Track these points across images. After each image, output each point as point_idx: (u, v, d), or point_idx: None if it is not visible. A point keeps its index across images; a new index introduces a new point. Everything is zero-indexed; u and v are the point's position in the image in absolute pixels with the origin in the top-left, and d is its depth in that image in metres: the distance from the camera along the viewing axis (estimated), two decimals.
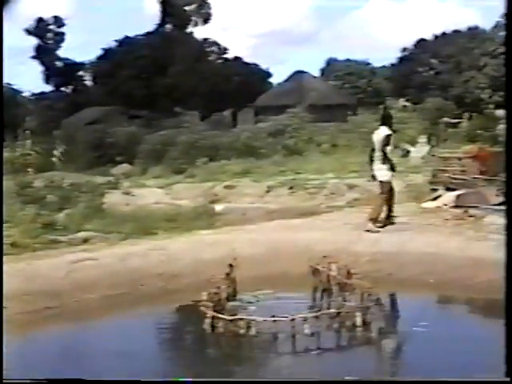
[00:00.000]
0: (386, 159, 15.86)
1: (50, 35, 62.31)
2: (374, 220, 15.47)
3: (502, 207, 16.66)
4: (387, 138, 15.80)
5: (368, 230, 15.06)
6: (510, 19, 4.76)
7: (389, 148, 15.83)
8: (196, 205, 24.22)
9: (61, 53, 64.03)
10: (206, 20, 58.76)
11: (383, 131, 15.95)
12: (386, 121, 16.36)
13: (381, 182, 15.97)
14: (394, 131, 16.91)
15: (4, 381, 4.46)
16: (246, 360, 9.73)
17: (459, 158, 19.69)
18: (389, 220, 15.80)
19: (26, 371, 8.24)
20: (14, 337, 9.00)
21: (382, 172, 15.95)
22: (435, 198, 18.53)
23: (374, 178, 16.37)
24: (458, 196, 17.60)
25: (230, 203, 24.70)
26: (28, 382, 4.04)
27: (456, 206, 17.26)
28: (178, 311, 12.43)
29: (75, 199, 23.77)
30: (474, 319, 12.12)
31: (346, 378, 8.36)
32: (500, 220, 15.76)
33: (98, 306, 11.91)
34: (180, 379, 5.73)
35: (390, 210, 15.94)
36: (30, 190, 24.53)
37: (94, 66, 63.73)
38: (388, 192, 15.94)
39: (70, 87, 64.78)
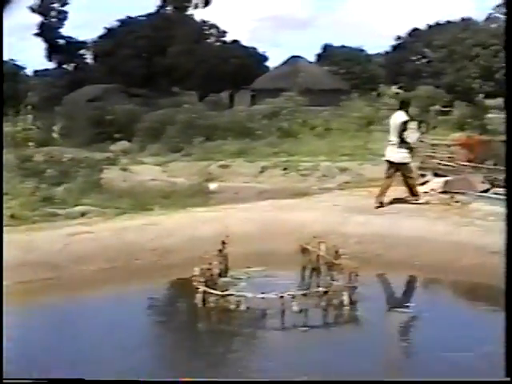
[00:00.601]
0: (403, 143, 15.98)
1: (53, 13, 62.07)
2: (380, 199, 15.88)
3: (488, 194, 16.75)
4: (404, 124, 15.93)
5: (378, 207, 15.60)
6: (510, 19, 4.71)
7: (406, 133, 15.95)
8: (191, 183, 24.23)
9: (63, 31, 63.83)
10: (206, 3, 58.58)
11: (400, 117, 16.08)
12: (403, 106, 16.50)
13: (399, 164, 16.21)
14: (412, 118, 17.07)
15: (4, 381, 4.44)
16: (235, 334, 9.74)
17: (448, 145, 19.73)
18: (415, 197, 16.28)
19: (23, 342, 8.30)
20: (11, 306, 8.97)
21: (399, 155, 16.14)
22: (423, 183, 18.52)
23: (388, 161, 16.51)
24: (446, 182, 17.61)
25: (225, 182, 24.70)
26: (28, 382, 3.99)
27: (443, 192, 17.28)
28: (171, 285, 12.46)
29: (74, 174, 23.78)
30: (457, 302, 12.20)
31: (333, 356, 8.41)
32: (485, 206, 15.85)
33: (94, 278, 11.89)
34: (180, 379, 5.60)
35: (412, 188, 16.34)
36: (30, 163, 24.53)
37: (96, 45, 63.50)
38: (409, 172, 16.45)
39: (72, 65, 64.65)
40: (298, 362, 8.64)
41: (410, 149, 16.27)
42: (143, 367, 8.51)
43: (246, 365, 8.76)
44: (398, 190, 16.50)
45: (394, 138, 16.10)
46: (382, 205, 15.77)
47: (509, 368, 3.80)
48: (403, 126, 15.98)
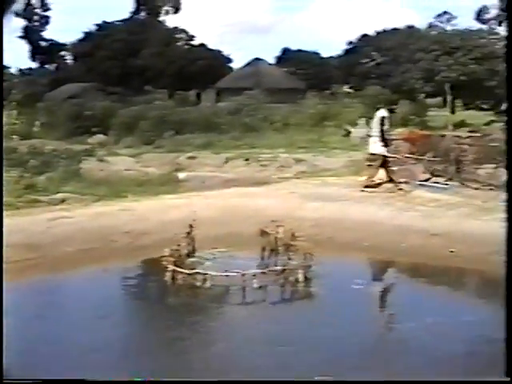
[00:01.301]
0: (382, 136, 16.35)
1: (36, 18, 61.78)
2: (368, 185, 16.53)
3: (428, 183, 16.89)
4: (383, 119, 16.19)
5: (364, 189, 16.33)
6: (510, 20, 4.63)
7: (385, 127, 16.20)
8: (162, 172, 24.17)
9: (46, 34, 63.59)
10: (176, 10, 58.50)
11: (380, 113, 16.38)
12: (387, 104, 17.02)
13: (376, 154, 16.81)
14: (392, 112, 17.58)
15: (4, 381, 4.33)
16: (201, 308, 9.77)
17: (393, 139, 19.79)
18: (392, 182, 16.83)
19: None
20: None
21: (381, 148, 16.68)
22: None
23: (372, 153, 17.14)
24: (391, 172, 17.70)
25: (192, 172, 24.64)
26: (28, 382, 3.86)
27: (388, 181, 17.38)
28: (144, 264, 12.43)
29: (55, 164, 23.61)
30: (400, 279, 12.30)
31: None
32: (426, 194, 16.00)
33: (73, 258, 11.82)
34: (180, 379, 5.59)
35: (389, 174, 16.90)
36: (14, 155, 24.29)
37: (75, 47, 63.22)
38: (382, 162, 16.78)
39: (54, 65, 64.47)
40: (259, 333, 8.70)
41: (387, 143, 16.51)
42: (119, 335, 8.66)
43: (212, 335, 8.81)
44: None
45: (375, 131, 16.40)
46: (368, 189, 16.44)
47: (509, 368, 3.72)
48: (381, 121, 16.21)
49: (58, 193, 17.87)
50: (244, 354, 7.93)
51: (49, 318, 9.22)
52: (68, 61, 65.71)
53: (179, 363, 7.84)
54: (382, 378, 7.24)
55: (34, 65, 63.65)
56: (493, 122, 28.07)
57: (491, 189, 16.14)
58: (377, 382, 5.08)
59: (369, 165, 19.44)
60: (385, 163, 16.94)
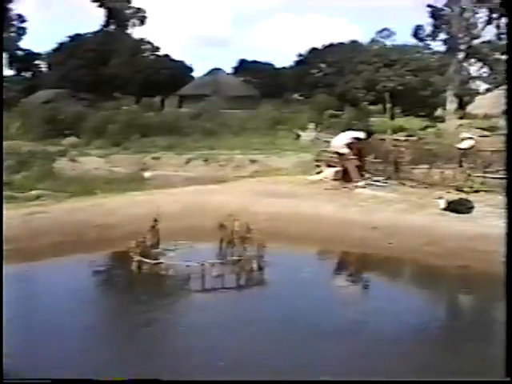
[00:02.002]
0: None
1: (13, 29, 61.18)
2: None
3: (369, 181, 17.00)
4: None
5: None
6: (510, 20, 4.58)
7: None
8: (129, 171, 24.06)
9: (22, 44, 63.04)
10: (142, 23, 58.25)
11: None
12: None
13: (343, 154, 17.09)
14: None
15: (4, 381, 4.22)
16: (165, 294, 9.79)
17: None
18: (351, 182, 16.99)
19: None
20: None
21: (345, 149, 16.99)
22: (318, 173, 18.73)
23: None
24: (336, 172, 17.81)
25: (157, 171, 24.57)
26: (28, 382, 3.70)
27: (334, 179, 17.49)
28: (112, 255, 12.40)
29: (30, 164, 23.37)
30: (344, 267, 12.41)
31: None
32: (367, 191, 16.11)
33: (47, 250, 11.72)
34: (180, 379, 5.57)
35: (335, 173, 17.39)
36: None
37: (50, 56, 62.65)
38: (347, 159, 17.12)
39: (29, 72, 63.89)
40: (216, 316, 8.69)
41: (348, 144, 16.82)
42: (89, 318, 8.58)
43: (174, 319, 8.84)
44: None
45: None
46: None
47: (509, 368, 3.67)
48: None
49: (34, 190, 17.69)
50: (203, 335, 7.93)
51: (25, 301, 9.25)
52: (43, 69, 65.11)
53: (145, 343, 7.83)
54: (330, 352, 7.33)
55: (11, 72, 62.87)
56: (427, 127, 28.40)
57: (425, 187, 16.33)
58: (377, 381, 5.03)
59: (316, 165, 19.59)
60: (333, 163, 17.16)
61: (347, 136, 17.28)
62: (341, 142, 17.22)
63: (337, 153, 17.32)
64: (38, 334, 7.91)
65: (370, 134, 17.76)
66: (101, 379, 4.28)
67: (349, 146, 16.97)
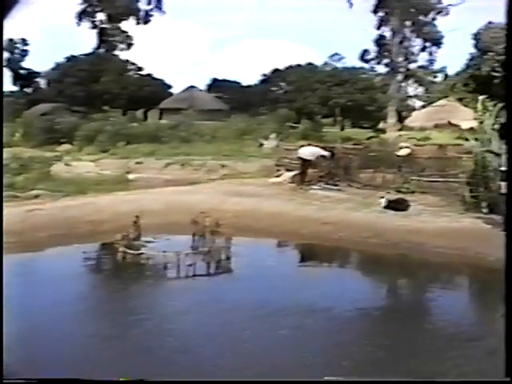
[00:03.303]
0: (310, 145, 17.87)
1: (17, 51, 60.69)
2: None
3: (323, 185, 17.02)
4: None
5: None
6: (510, 20, 4.43)
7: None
8: (116, 174, 23.81)
9: (24, 64, 62.59)
10: (129, 46, 57.91)
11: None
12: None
13: (306, 160, 17.28)
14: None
15: (4, 381, 3.91)
16: (145, 280, 9.70)
17: (296, 150, 19.92)
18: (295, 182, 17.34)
19: None
20: None
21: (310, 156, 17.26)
22: (279, 176, 18.72)
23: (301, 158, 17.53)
24: (294, 175, 17.82)
25: (140, 174, 24.37)
26: (28, 381, 3.51)
27: (292, 182, 17.50)
28: (101, 246, 12.32)
29: (31, 167, 23.08)
30: (302, 257, 12.43)
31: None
32: (320, 192, 16.15)
33: (46, 241, 11.72)
34: (180, 379, 5.48)
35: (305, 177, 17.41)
36: None
37: (48, 75, 62.03)
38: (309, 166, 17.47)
39: (31, 88, 63.40)
40: (189, 299, 8.68)
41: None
42: (80, 299, 8.55)
43: (153, 300, 8.80)
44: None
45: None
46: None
47: (509, 368, 3.55)
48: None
49: (33, 190, 17.49)
50: (178, 316, 7.88)
51: (24, 283, 9.19)
52: (42, 85, 64.54)
53: (126, 321, 7.81)
54: (290, 329, 7.31)
55: (15, 88, 62.18)
56: (372, 137, 28.56)
57: (370, 188, 16.40)
58: (377, 381, 4.99)
59: (277, 169, 19.58)
60: (291, 167, 17.23)
61: (316, 151, 17.39)
62: (309, 152, 17.32)
63: (302, 159, 17.33)
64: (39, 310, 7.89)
65: (333, 154, 17.88)
66: (88, 379, 4.14)
67: (316, 157, 17.19)
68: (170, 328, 7.45)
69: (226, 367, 6.21)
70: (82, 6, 53.56)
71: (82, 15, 54.62)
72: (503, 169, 11.18)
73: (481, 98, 14.48)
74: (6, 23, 3.71)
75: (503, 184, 11.09)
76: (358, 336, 7.40)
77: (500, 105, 14.00)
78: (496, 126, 12.82)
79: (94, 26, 56.27)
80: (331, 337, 7.25)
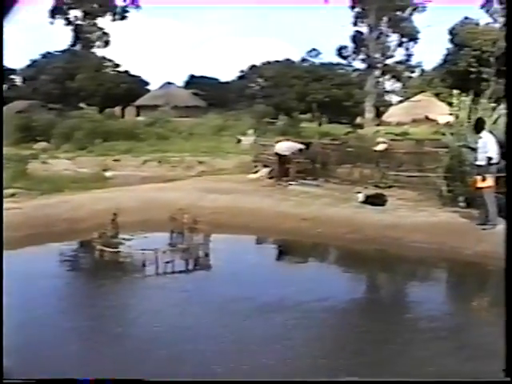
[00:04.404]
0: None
1: None
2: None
3: (301, 180, 17.06)
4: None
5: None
6: (509, 19, 4.39)
7: None
8: (93, 172, 23.68)
9: None
10: (106, 44, 57.53)
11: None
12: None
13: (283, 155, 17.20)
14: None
15: (4, 381, 3.86)
16: (123, 278, 9.71)
17: (274, 145, 19.97)
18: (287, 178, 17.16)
19: None
20: None
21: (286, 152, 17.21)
22: (256, 172, 18.74)
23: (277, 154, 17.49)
24: (271, 171, 17.86)
25: (117, 171, 24.26)
26: (28, 381, 3.45)
27: (270, 178, 17.54)
28: (78, 245, 12.28)
29: (6, 165, 22.85)
30: (279, 252, 12.47)
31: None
32: (298, 187, 16.20)
33: (22, 240, 11.49)
34: (180, 379, 5.45)
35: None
36: None
37: (23, 72, 61.52)
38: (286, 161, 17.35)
39: (5, 86, 62.87)
40: (167, 295, 8.69)
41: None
42: (59, 296, 8.67)
43: (132, 298, 8.75)
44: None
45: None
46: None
47: (509, 368, 3.56)
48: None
49: (9, 188, 17.32)
50: (158, 314, 7.87)
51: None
52: (17, 83, 63.93)
53: (106, 316, 7.88)
54: (267, 323, 7.35)
55: None
56: (349, 132, 28.63)
57: (347, 183, 16.48)
58: (377, 381, 5.00)
59: (255, 165, 19.60)
60: (268, 163, 17.26)
61: (291, 146, 17.42)
62: (285, 147, 17.33)
63: (278, 155, 17.33)
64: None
65: (308, 145, 17.94)
66: (84, 379, 4.13)
67: (292, 152, 17.19)
68: (148, 324, 7.45)
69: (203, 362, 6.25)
70: (54, 3, 52.96)
71: (54, 12, 54.08)
72: (479, 163, 11.30)
73: (456, 92, 14.61)
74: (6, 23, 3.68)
75: (479, 178, 11.22)
76: (334, 330, 7.46)
77: (477, 99, 14.17)
78: (471, 121, 12.94)
79: (69, 23, 55.80)
80: (307, 331, 7.29)
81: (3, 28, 3.81)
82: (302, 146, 17.54)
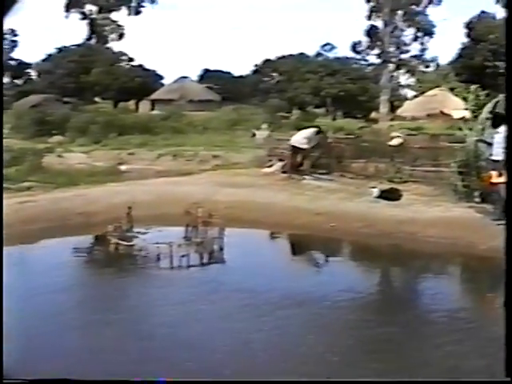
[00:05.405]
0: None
1: (6, 42, 60.44)
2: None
3: (316, 175, 17.00)
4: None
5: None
6: (510, 18, 4.34)
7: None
8: (108, 165, 23.78)
9: (15, 55, 62.40)
10: (120, 37, 57.73)
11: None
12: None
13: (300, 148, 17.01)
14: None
15: (4, 381, 3.86)
16: (137, 271, 9.74)
17: (288, 140, 19.88)
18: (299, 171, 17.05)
19: None
20: None
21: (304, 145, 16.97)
22: (270, 166, 18.69)
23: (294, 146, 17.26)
24: (285, 165, 17.80)
25: (132, 165, 24.35)
26: (28, 381, 3.44)
27: (284, 172, 17.49)
28: (93, 238, 12.32)
29: (22, 159, 23.03)
30: (294, 247, 12.46)
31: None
32: (313, 182, 16.15)
33: (37, 234, 11.65)
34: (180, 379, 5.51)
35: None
36: None
37: (39, 66, 61.79)
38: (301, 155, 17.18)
39: (21, 80, 63.18)
40: (182, 288, 8.77)
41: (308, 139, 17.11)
42: (75, 289, 8.67)
43: (145, 291, 8.73)
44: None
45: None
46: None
47: (509, 368, 3.52)
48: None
49: (25, 182, 17.45)
50: (171, 307, 7.89)
51: (17, 278, 9.00)
52: (33, 77, 64.27)
53: (121, 308, 7.98)
54: (284, 318, 7.35)
55: (5, 80, 61.97)
56: (363, 127, 28.51)
57: (362, 178, 16.42)
58: (377, 381, 5.03)
59: (269, 159, 19.54)
60: (285, 157, 17.24)
61: (307, 133, 17.36)
62: (301, 137, 17.27)
63: (294, 147, 17.27)
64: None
65: (320, 131, 17.88)
66: (78, 379, 4.14)
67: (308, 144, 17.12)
68: (161, 317, 7.48)
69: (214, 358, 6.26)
70: None
71: (70, 6, 54.28)
72: (495, 158, 11.21)
73: (473, 87, 14.50)
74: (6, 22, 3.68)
75: (495, 173, 11.14)
76: (350, 324, 7.45)
77: (493, 94, 14.06)
78: (488, 116, 12.84)
79: (84, 17, 56.02)
80: (323, 326, 7.28)
81: (3, 28, 3.81)
82: (314, 130, 17.49)
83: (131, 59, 59.38)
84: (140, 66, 59.64)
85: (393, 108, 44.95)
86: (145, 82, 56.19)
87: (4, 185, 16.09)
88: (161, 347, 6.51)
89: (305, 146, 17.06)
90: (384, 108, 46.51)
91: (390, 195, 13.63)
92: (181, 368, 5.90)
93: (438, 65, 54.78)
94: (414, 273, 10.44)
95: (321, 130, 17.85)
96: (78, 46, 58.85)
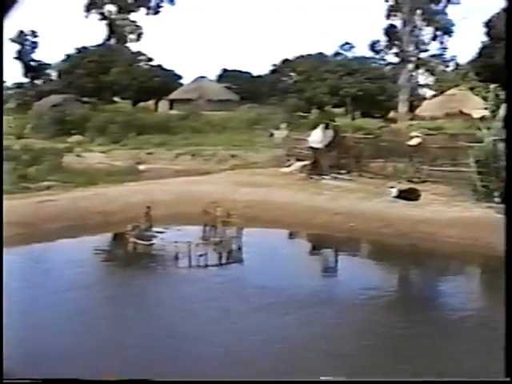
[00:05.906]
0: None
1: (27, 43, 60.84)
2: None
3: (334, 174, 16.96)
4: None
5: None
6: (509, 17, 4.30)
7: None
8: (127, 165, 23.88)
9: (35, 56, 62.82)
10: (138, 38, 57.91)
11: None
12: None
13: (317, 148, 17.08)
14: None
15: (4, 381, 3.85)
16: (156, 270, 9.79)
17: (306, 140, 19.85)
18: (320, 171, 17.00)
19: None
20: None
21: (320, 144, 17.09)
22: (289, 166, 18.68)
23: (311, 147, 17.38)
24: (304, 165, 17.78)
25: (150, 165, 24.42)
26: (28, 381, 3.47)
27: (302, 172, 17.46)
28: (112, 237, 12.40)
29: (42, 159, 23.18)
30: (313, 246, 12.46)
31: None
32: (331, 181, 16.11)
33: (57, 232, 11.76)
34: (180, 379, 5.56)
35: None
36: (9, 151, 23.74)
37: (59, 66, 62.12)
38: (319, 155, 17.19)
39: (41, 80, 63.62)
40: (201, 287, 8.79)
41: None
42: (96, 286, 8.83)
43: (165, 288, 8.91)
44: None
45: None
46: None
47: (509, 368, 3.51)
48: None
49: (45, 181, 17.57)
50: (190, 303, 7.92)
51: (38, 274, 9.35)
52: (52, 77, 64.71)
53: (138, 303, 8.16)
54: (302, 316, 7.36)
55: (25, 80, 62.34)
56: (382, 127, 28.36)
57: (381, 178, 16.35)
58: (377, 381, 5.03)
59: (288, 159, 19.53)
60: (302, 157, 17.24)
61: (321, 133, 17.36)
62: (316, 136, 17.27)
63: (312, 148, 17.26)
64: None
65: (337, 131, 17.88)
66: (89, 379, 4.19)
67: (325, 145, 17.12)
68: (179, 315, 7.52)
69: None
70: None
71: (90, 7, 54.62)
72: None
73: (492, 86, 14.37)
74: (6, 22, 3.71)
75: None
76: (368, 323, 7.44)
77: None
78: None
79: (104, 18, 56.35)
80: (344, 324, 7.29)
81: (3, 28, 3.84)
82: (322, 126, 17.55)
83: (150, 59, 59.54)
84: (159, 65, 59.78)
85: (412, 107, 44.61)
86: (163, 82, 56.27)
87: (24, 184, 16.27)
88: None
89: (318, 145, 17.02)
90: (403, 107, 46.20)
91: (408, 195, 13.56)
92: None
93: (457, 64, 54.35)
94: (432, 273, 10.41)
95: (328, 125, 17.81)
96: (98, 46, 59.15)
